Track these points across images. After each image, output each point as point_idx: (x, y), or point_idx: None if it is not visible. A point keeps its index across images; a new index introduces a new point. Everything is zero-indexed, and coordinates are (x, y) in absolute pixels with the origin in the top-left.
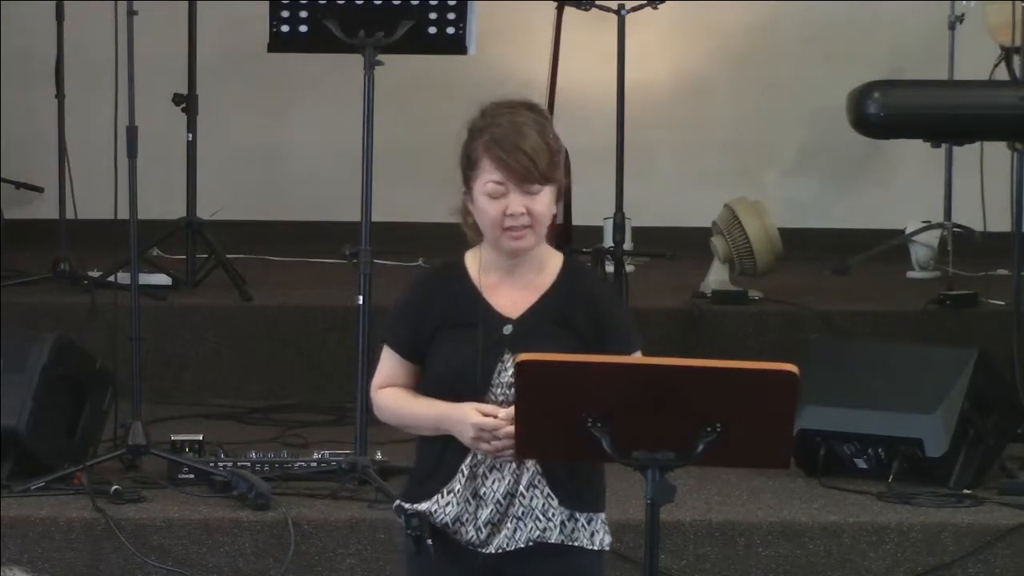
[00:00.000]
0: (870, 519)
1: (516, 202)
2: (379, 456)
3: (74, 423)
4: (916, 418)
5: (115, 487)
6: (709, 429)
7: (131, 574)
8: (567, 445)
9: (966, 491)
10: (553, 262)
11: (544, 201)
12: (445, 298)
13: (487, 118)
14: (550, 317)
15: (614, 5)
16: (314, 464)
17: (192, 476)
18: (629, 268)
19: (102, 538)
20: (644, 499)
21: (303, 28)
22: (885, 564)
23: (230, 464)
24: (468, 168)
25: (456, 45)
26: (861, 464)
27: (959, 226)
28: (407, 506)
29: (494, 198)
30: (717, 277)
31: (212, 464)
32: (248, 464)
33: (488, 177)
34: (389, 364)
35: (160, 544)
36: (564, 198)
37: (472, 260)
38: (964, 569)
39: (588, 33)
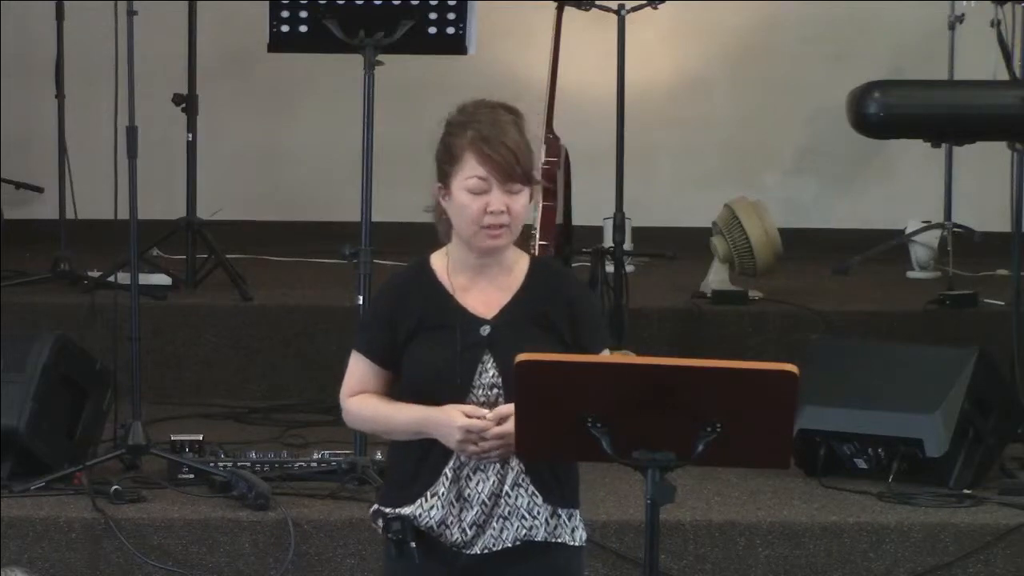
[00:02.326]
0: (870, 519)
1: (498, 199)
2: (379, 456)
3: (74, 423)
4: (916, 418)
5: (115, 487)
6: (709, 429)
7: (131, 574)
8: (567, 445)
9: (966, 491)
10: (520, 262)
11: (522, 201)
12: (417, 301)
13: (467, 114)
14: (527, 316)
15: (614, 5)
16: (314, 464)
17: (192, 476)
18: (629, 268)
19: (102, 538)
20: (644, 499)
21: (303, 28)
22: (885, 564)
23: (230, 464)
24: (448, 163)
25: (456, 45)
26: (861, 464)
27: (959, 226)
28: (387, 510)
29: (475, 194)
30: (717, 277)
31: (212, 464)
32: (248, 464)
33: (471, 172)
34: (360, 371)
35: (160, 544)
36: (564, 198)
37: (439, 261)
38: (964, 569)
39: (588, 33)
